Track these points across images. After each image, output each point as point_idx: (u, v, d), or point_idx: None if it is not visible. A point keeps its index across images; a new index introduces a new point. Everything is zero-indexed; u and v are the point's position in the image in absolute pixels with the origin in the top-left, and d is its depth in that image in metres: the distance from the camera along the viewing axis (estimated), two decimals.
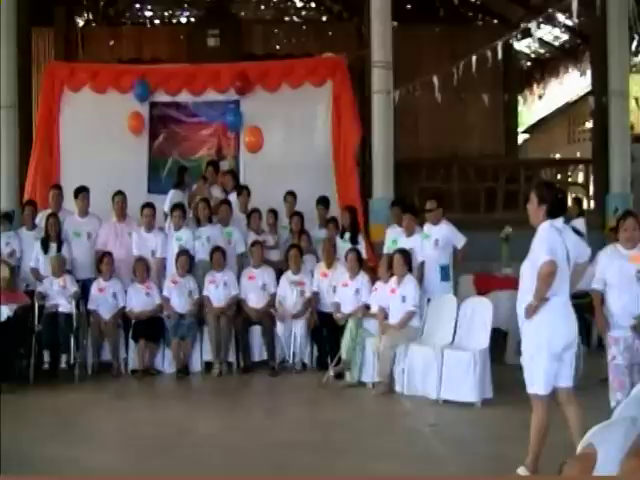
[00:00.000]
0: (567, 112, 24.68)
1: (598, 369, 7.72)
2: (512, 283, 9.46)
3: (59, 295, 9.95)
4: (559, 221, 5.73)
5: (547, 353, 5.60)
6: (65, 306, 9.84)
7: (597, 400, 6.65)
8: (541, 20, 12.31)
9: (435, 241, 9.58)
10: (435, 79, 10.64)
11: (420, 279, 9.45)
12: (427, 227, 9.76)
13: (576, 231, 5.87)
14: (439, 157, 16.70)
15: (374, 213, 12.48)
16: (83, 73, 13.48)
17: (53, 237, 10.44)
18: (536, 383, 5.67)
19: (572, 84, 22.03)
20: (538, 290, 5.57)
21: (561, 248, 5.62)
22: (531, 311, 5.62)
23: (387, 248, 10.48)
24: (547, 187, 6.00)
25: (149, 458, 6.64)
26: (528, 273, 5.71)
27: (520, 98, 21.68)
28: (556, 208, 5.74)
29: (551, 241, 5.60)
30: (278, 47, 18.03)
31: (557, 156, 24.65)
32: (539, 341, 5.63)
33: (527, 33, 9.81)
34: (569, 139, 25.06)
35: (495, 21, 19.57)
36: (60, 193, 11.22)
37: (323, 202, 11.52)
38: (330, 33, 18.49)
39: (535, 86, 22.85)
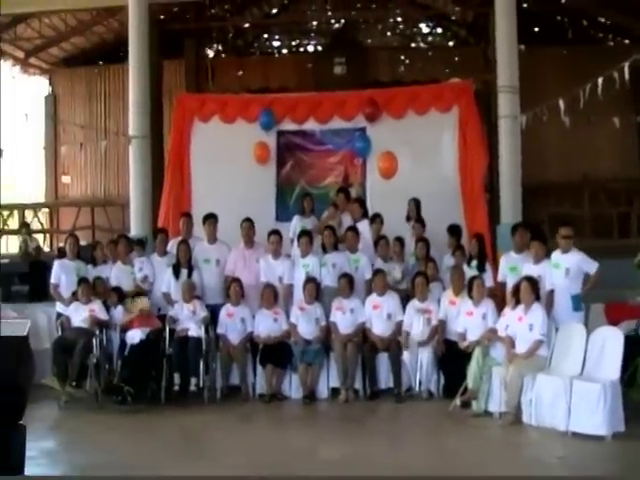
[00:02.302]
0: None
1: None
2: None
3: (189, 320, 10.20)
4: None
5: None
6: (195, 330, 10.08)
7: None
8: None
9: (566, 270, 9.26)
10: (562, 102, 10.45)
11: (549, 308, 9.23)
12: (556, 255, 9.44)
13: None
14: (568, 181, 16.35)
15: (502, 239, 12.29)
16: (212, 104, 13.91)
17: (184, 263, 10.71)
18: None
19: None
20: None
21: None
22: None
23: (503, 276, 10.17)
24: None
25: None
26: None
27: None
28: None
29: None
30: (404, 73, 18.08)
31: None
32: None
33: None
34: None
35: (627, 41, 19.06)
36: (190, 220, 11.49)
37: (455, 230, 11.37)
38: (456, 58, 18.45)
39: None
